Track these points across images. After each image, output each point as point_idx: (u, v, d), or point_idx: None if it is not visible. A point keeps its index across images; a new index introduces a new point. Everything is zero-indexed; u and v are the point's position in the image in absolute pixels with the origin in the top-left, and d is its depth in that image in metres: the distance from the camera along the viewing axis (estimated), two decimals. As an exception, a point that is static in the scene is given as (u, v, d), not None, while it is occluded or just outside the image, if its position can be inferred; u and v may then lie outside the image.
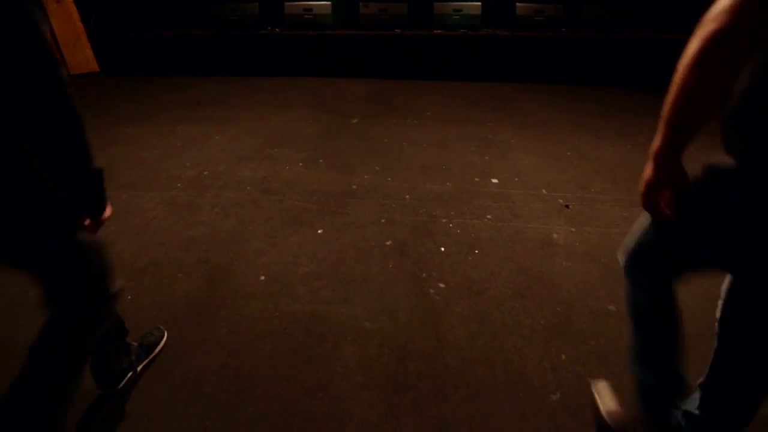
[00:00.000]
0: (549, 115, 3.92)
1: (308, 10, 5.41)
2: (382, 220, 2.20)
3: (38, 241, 0.88)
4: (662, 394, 1.00)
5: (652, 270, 0.98)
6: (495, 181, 2.63)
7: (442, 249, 1.97)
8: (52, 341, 0.96)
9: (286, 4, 5.46)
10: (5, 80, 0.71)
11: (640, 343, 1.04)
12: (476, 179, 2.65)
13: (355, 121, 3.23)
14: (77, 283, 0.96)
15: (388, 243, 2.02)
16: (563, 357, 1.42)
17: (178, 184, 2.60)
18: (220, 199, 2.42)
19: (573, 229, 2.15)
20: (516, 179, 2.67)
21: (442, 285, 1.74)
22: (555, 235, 2.10)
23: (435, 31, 5.33)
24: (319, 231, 2.11)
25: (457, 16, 5.38)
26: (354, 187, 2.56)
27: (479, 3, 5.34)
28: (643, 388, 1.03)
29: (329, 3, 5.42)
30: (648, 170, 0.78)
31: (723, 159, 0.73)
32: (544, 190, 2.54)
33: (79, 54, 5.52)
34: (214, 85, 5.11)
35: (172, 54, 5.83)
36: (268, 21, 5.72)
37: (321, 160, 2.91)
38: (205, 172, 2.76)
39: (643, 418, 1.04)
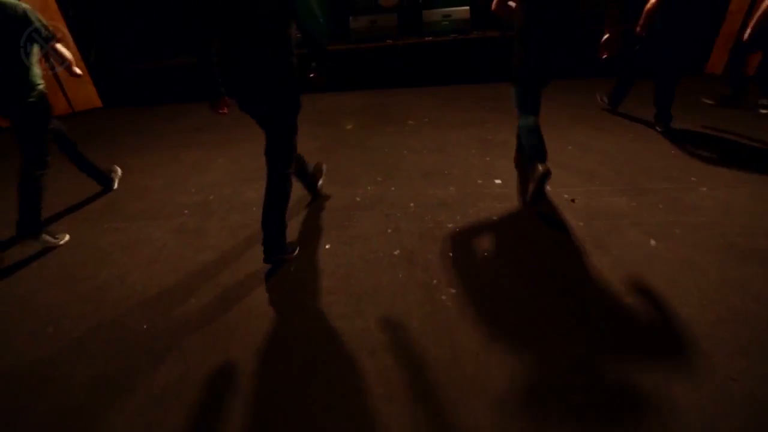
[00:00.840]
0: (547, 111, 3.90)
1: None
2: (389, 230, 2.20)
3: (286, 108, 1.89)
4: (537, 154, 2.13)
5: (526, 109, 2.27)
6: (498, 181, 2.63)
7: (451, 254, 1.97)
8: (273, 186, 1.96)
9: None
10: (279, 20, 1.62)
11: (524, 139, 2.24)
12: (479, 181, 2.65)
13: (349, 126, 3.26)
14: (287, 152, 1.99)
15: (396, 252, 2.02)
16: (582, 354, 1.39)
17: (185, 211, 2.63)
18: (227, 223, 2.44)
19: (581, 224, 2.13)
20: (518, 179, 2.66)
21: (453, 290, 1.73)
22: (563, 232, 2.08)
23: (426, 39, 5.39)
24: (327, 246, 2.12)
25: (447, 22, 5.44)
26: (358, 199, 2.57)
27: (467, 7, 5.40)
28: (527, 151, 2.21)
29: (319, 20, 5.51)
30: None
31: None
32: (548, 187, 2.52)
33: (82, 91, 5.66)
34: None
35: (169, 83, 5.96)
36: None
37: (324, 178, 2.92)
38: (211, 197, 2.79)
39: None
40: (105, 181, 3.03)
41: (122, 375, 1.48)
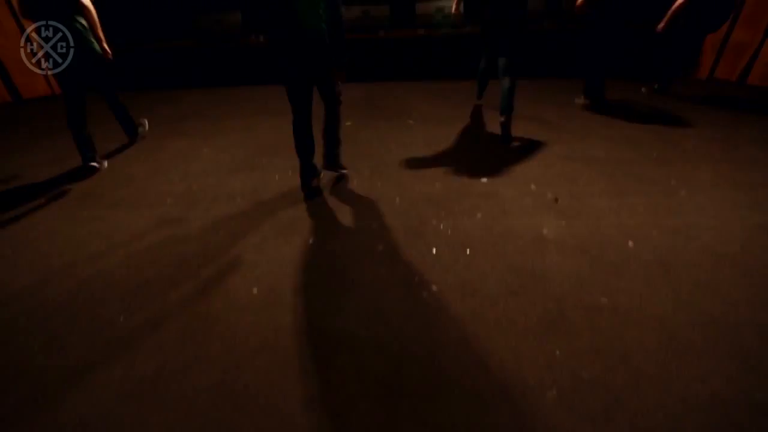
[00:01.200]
0: (536, 111, 3.95)
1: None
2: (373, 225, 2.20)
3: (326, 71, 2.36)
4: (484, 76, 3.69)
5: (486, 57, 3.47)
6: (484, 179, 2.64)
7: (434, 251, 1.98)
8: (331, 118, 2.54)
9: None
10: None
11: (482, 62, 3.60)
12: (465, 178, 2.66)
13: (348, 123, 3.23)
14: (334, 93, 2.46)
15: (379, 248, 2.02)
16: (557, 353, 1.42)
17: (168, 200, 2.59)
18: (211, 213, 2.41)
19: (563, 223, 2.16)
20: (505, 176, 2.68)
21: (434, 288, 1.75)
22: (545, 231, 2.11)
23: (419, 32, 5.35)
24: (311, 240, 2.11)
25: (440, 16, 5.41)
26: (344, 192, 2.56)
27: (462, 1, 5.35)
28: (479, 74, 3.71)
29: (311, 9, 5.43)
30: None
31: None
32: (533, 186, 2.55)
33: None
34: (199, 97, 5.09)
35: (155, 68, 5.80)
36: (251, 29, 5.71)
37: (310, 168, 2.90)
38: (194, 186, 2.75)
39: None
40: (87, 156, 3.05)
41: (97, 367, 1.46)
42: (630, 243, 2.00)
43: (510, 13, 2.97)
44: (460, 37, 5.28)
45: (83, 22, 2.78)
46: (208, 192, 2.67)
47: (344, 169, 2.74)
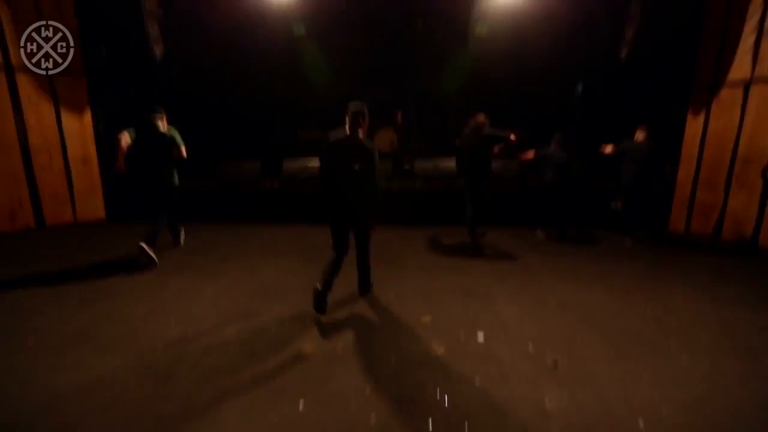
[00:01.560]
0: (528, 262, 4.13)
1: (304, 168, 6.17)
2: (367, 390, 2.09)
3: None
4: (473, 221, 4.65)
5: (470, 201, 4.60)
6: (480, 338, 2.62)
7: (430, 425, 1.84)
8: (361, 257, 3.25)
9: (285, 161, 6.25)
10: (368, 176, 2.95)
11: (468, 210, 4.64)
12: (462, 336, 2.64)
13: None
14: (365, 238, 3.18)
15: (372, 419, 1.88)
16: None
17: (159, 346, 2.52)
18: (200, 366, 2.32)
19: (565, 394, 2.06)
20: (501, 334, 2.67)
21: (431, 476, 1.57)
22: (547, 401, 2.00)
23: (417, 184, 6.00)
24: (301, 404, 1.98)
25: (437, 171, 6.17)
26: (339, 349, 2.50)
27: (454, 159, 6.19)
28: (469, 220, 4.66)
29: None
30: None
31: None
32: (530, 346, 2.51)
33: (90, 202, 5.93)
34: (211, 232, 5.35)
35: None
36: (268, 175, 6.42)
37: (307, 318, 2.89)
38: (189, 332, 2.71)
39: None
40: (175, 235, 4.52)
41: None
42: (641, 422, 1.87)
43: (481, 175, 4.54)
44: (455, 190, 5.90)
45: (173, 166, 3.98)
46: (201, 340, 2.62)
47: (371, 287, 3.40)
